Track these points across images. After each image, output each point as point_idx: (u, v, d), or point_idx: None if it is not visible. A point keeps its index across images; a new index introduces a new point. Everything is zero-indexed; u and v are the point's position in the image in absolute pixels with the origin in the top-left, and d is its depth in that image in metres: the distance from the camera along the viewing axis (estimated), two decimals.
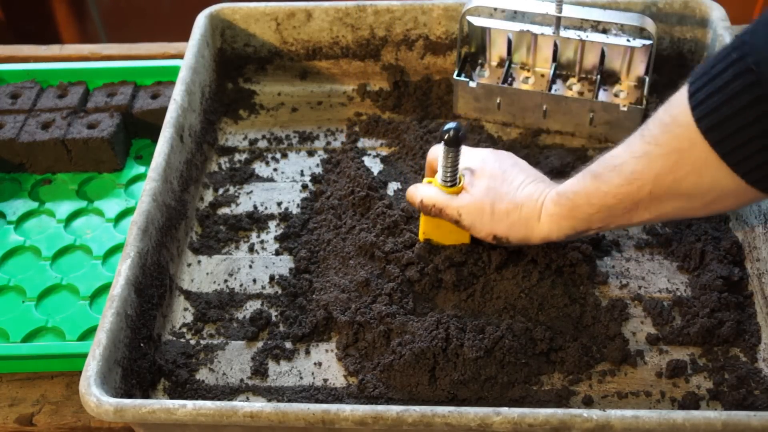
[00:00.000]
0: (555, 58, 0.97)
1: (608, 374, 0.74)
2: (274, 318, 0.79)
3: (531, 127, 0.97)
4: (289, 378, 0.75)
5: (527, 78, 0.98)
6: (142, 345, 0.73)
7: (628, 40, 0.93)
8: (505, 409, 0.61)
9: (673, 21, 0.96)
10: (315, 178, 0.93)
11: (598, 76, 0.95)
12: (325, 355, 0.76)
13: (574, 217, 0.71)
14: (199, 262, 0.85)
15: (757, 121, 0.56)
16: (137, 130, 1.01)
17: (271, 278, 0.82)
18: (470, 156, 0.78)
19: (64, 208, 0.94)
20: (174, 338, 0.78)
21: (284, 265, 0.84)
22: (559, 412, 0.61)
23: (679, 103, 0.61)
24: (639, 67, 0.94)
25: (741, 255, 0.81)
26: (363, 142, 0.97)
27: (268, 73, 1.04)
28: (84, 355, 0.69)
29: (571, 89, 0.96)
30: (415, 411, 0.61)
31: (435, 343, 0.72)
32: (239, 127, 1.00)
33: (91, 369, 0.65)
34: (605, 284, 0.80)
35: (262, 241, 0.87)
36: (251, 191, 0.92)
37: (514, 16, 0.97)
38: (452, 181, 0.76)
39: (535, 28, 0.95)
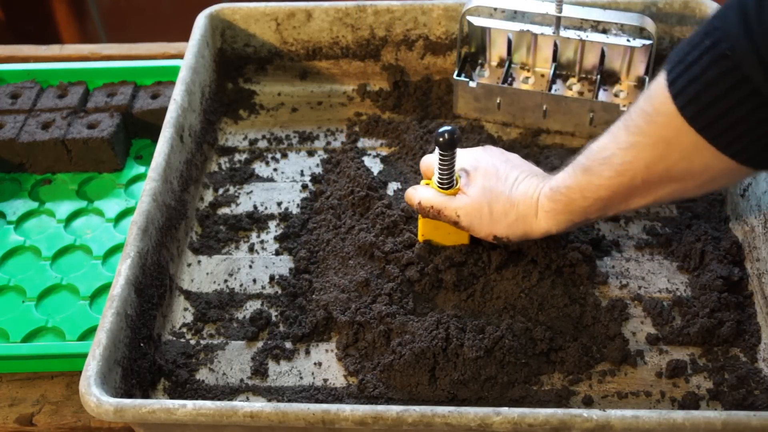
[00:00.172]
0: (555, 58, 0.97)
1: (608, 374, 0.74)
2: (274, 318, 0.79)
3: (531, 127, 0.97)
4: (289, 378, 0.75)
5: (527, 78, 0.98)
6: (142, 345, 0.73)
7: (628, 40, 0.93)
8: (505, 409, 0.61)
9: (673, 21, 0.96)
10: (315, 178, 0.93)
11: (598, 76, 0.95)
12: (325, 355, 0.76)
13: (571, 211, 0.72)
14: (199, 262, 0.85)
15: (740, 104, 0.57)
16: (137, 130, 1.01)
17: (271, 278, 0.82)
18: (463, 156, 0.78)
19: (64, 208, 0.94)
20: (174, 338, 0.78)
21: (284, 265, 0.84)
22: (559, 412, 0.61)
23: (658, 92, 0.61)
24: (639, 67, 0.94)
25: (741, 255, 0.81)
26: (363, 142, 0.97)
27: (268, 73, 1.04)
28: (84, 355, 0.69)
29: (571, 89, 0.96)
30: (415, 411, 0.61)
31: (435, 343, 0.72)
32: (239, 127, 1.00)
33: (91, 369, 0.65)
34: (605, 284, 0.80)
35: (262, 241, 0.87)
36: (251, 191, 0.92)
37: (514, 16, 0.97)
38: (449, 183, 0.76)
39: (535, 28, 0.95)
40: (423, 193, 0.77)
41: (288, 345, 0.77)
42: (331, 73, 1.04)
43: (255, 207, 0.90)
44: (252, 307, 0.80)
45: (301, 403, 0.65)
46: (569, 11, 0.91)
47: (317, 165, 0.95)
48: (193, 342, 0.78)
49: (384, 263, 0.80)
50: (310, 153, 0.96)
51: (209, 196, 0.91)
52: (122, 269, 0.73)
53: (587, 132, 0.96)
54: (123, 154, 0.99)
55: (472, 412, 0.61)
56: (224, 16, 1.00)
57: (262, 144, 0.98)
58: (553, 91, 0.95)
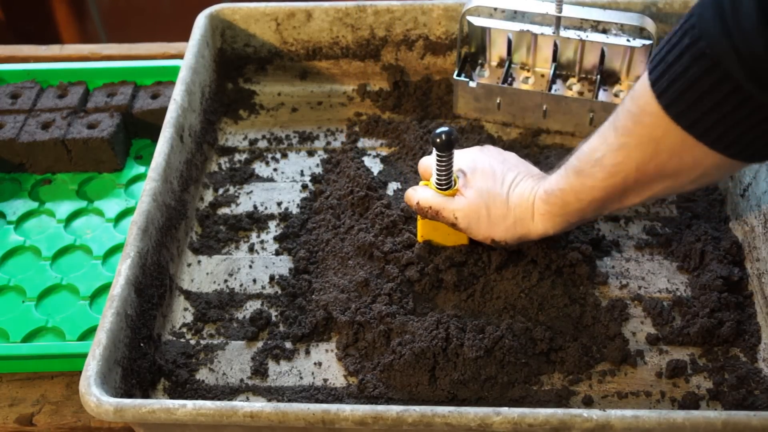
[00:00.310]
0: (555, 58, 0.97)
1: (608, 374, 0.74)
2: (274, 318, 0.79)
3: (531, 127, 0.97)
4: (289, 378, 0.75)
5: (527, 78, 0.98)
6: (142, 345, 0.73)
7: (628, 40, 0.93)
8: (505, 409, 0.61)
9: (673, 21, 0.96)
10: (315, 178, 0.93)
11: (598, 76, 0.95)
12: (325, 355, 0.76)
13: (566, 213, 0.72)
14: (199, 262, 0.85)
15: (724, 101, 0.57)
16: (137, 130, 1.01)
17: (271, 278, 0.82)
18: (461, 157, 0.79)
19: (64, 208, 0.94)
20: (174, 338, 0.78)
21: (284, 265, 0.84)
22: (559, 412, 0.61)
23: (643, 93, 0.62)
24: (639, 67, 0.94)
25: (741, 255, 0.81)
26: (363, 142, 0.97)
27: (268, 73, 1.04)
28: (84, 355, 0.68)
29: (571, 89, 0.96)
30: (415, 411, 0.61)
31: (435, 343, 0.72)
32: (239, 127, 1.00)
33: (91, 369, 0.65)
34: (605, 284, 0.80)
35: (262, 241, 0.87)
36: (251, 191, 0.92)
37: (514, 16, 0.97)
38: (447, 184, 0.76)
39: (535, 28, 0.95)
40: (422, 194, 0.77)
41: (288, 345, 0.77)
42: (331, 73, 1.04)
43: (255, 207, 0.90)
44: (252, 307, 0.80)
45: (301, 403, 0.65)
46: (569, 11, 0.91)
47: (317, 165, 0.95)
48: (193, 342, 0.78)
49: (383, 263, 0.80)
50: (310, 153, 0.96)
51: (209, 196, 0.91)
52: (122, 269, 0.73)
53: (587, 132, 0.95)
54: (123, 154, 0.99)
55: (472, 412, 0.61)
56: (224, 16, 1.00)
57: (262, 144, 0.98)
58: (553, 91, 0.95)
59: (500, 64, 1.00)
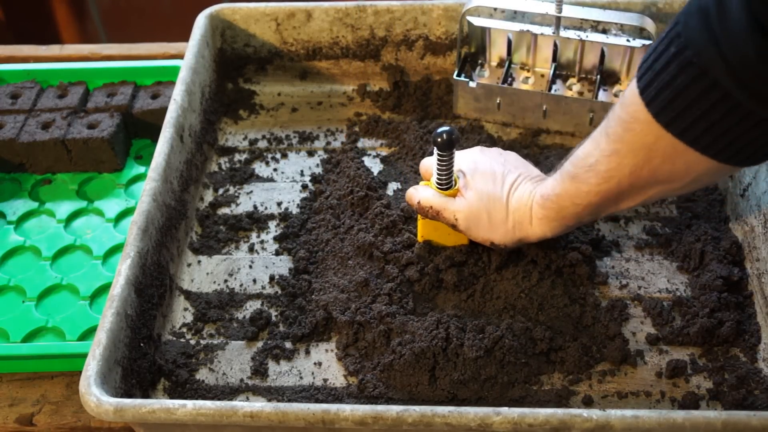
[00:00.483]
0: (555, 58, 0.97)
1: (608, 374, 0.74)
2: (274, 318, 0.79)
3: (531, 127, 0.97)
4: (289, 378, 0.75)
5: (527, 78, 0.98)
6: (142, 345, 0.73)
7: (628, 40, 0.93)
8: (505, 409, 0.61)
9: None
10: (315, 178, 0.93)
11: (598, 76, 0.95)
12: (325, 355, 0.76)
13: (563, 217, 0.73)
14: (199, 262, 0.85)
15: (713, 108, 0.57)
16: (137, 130, 1.01)
17: (271, 278, 0.82)
18: (462, 158, 0.79)
19: (64, 208, 0.94)
20: (174, 338, 0.78)
21: (284, 265, 0.84)
22: (559, 412, 0.61)
23: (632, 100, 0.62)
24: None
25: (741, 255, 0.81)
26: (363, 142, 0.97)
27: (268, 73, 1.04)
28: (84, 355, 0.68)
29: (571, 89, 0.96)
30: (415, 411, 0.61)
31: (435, 343, 0.72)
32: (239, 127, 1.00)
33: (91, 369, 0.65)
34: (605, 284, 0.80)
35: (262, 241, 0.87)
36: (251, 191, 0.92)
37: (514, 16, 0.97)
38: (447, 184, 0.76)
39: (535, 28, 0.95)
40: (422, 193, 0.77)
41: (288, 345, 0.77)
42: (331, 73, 1.04)
43: (255, 207, 0.90)
44: (252, 307, 0.80)
45: (301, 403, 0.65)
46: (569, 11, 0.91)
47: (317, 165, 0.95)
48: (193, 342, 0.78)
49: (383, 263, 0.80)
50: (310, 153, 0.96)
51: (209, 196, 0.91)
52: (122, 269, 0.73)
53: (587, 132, 0.94)
54: (123, 154, 0.99)
55: (472, 412, 0.61)
56: (224, 16, 1.00)
57: (262, 144, 0.98)
58: (553, 91, 0.95)
59: (500, 64, 1.00)
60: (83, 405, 0.64)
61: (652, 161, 0.63)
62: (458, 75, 0.97)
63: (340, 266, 0.82)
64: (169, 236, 0.81)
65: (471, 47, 1.00)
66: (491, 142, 0.95)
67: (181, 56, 1.05)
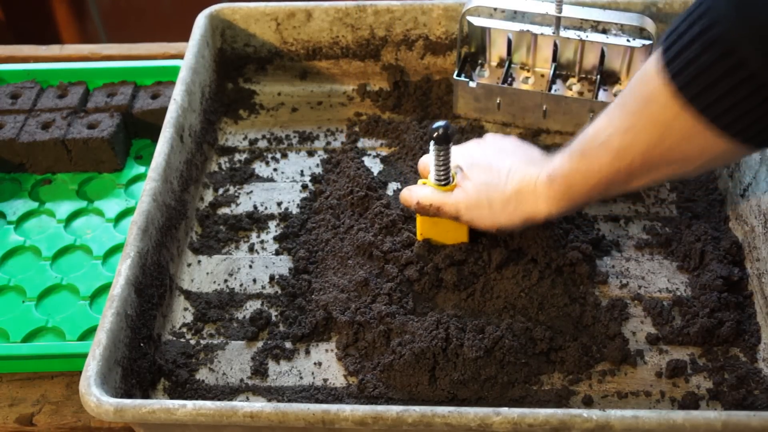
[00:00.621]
0: (555, 58, 0.97)
1: (608, 374, 0.74)
2: (274, 318, 0.79)
3: (531, 127, 0.97)
4: (289, 378, 0.75)
5: (527, 78, 0.98)
6: (142, 345, 0.73)
7: (628, 40, 0.93)
8: (505, 409, 0.61)
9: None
10: (315, 178, 0.93)
11: (598, 76, 0.95)
12: (325, 355, 0.76)
13: (572, 195, 0.71)
14: (199, 262, 0.85)
15: (738, 87, 0.56)
16: (137, 130, 1.01)
17: (271, 278, 0.83)
18: (458, 153, 0.79)
19: (64, 208, 0.94)
20: (174, 338, 0.78)
21: (284, 265, 0.84)
22: (559, 412, 0.61)
23: (654, 75, 0.61)
24: (639, 67, 0.94)
25: (741, 255, 0.81)
26: (363, 142, 0.97)
27: (268, 73, 1.04)
28: (84, 355, 0.69)
29: (571, 89, 0.96)
30: (415, 411, 0.61)
31: (435, 343, 0.72)
32: (239, 127, 1.00)
33: (91, 369, 0.65)
34: (605, 284, 0.80)
35: (262, 241, 0.87)
36: (251, 191, 0.92)
37: (514, 16, 0.97)
38: (445, 179, 0.76)
39: (535, 28, 0.95)
40: (421, 191, 0.77)
41: (288, 345, 0.77)
42: (331, 73, 1.04)
43: (255, 207, 0.90)
44: (252, 307, 0.80)
45: (301, 403, 0.65)
46: (569, 11, 0.91)
47: (317, 165, 0.95)
48: (193, 342, 0.78)
49: (383, 263, 0.80)
50: (310, 153, 0.96)
51: (209, 196, 0.91)
52: (122, 269, 0.73)
53: None
54: (123, 154, 0.99)
55: (472, 412, 0.61)
56: (224, 16, 1.00)
57: (262, 144, 0.98)
58: (553, 91, 0.95)
59: (500, 64, 1.00)
60: (83, 405, 0.64)
61: (668, 140, 0.62)
62: (458, 75, 0.97)
63: (339, 266, 0.82)
64: (169, 236, 0.81)
65: (471, 47, 1.00)
66: None
67: (181, 56, 1.05)
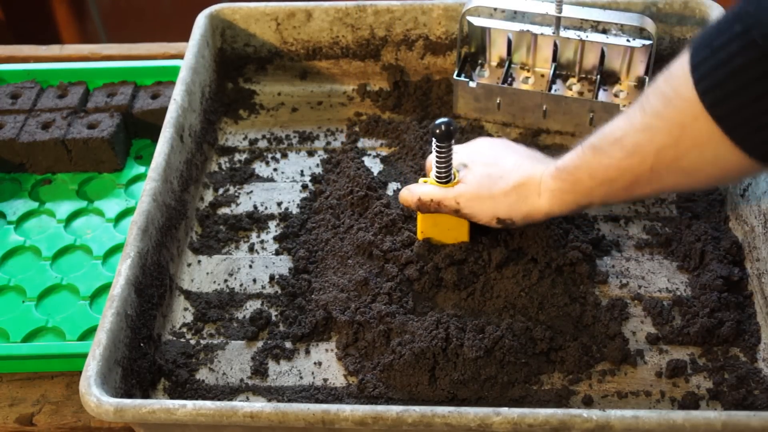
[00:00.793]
0: (555, 58, 0.97)
1: (608, 374, 0.74)
2: (274, 318, 0.79)
3: (531, 127, 0.97)
4: (289, 378, 0.75)
5: (527, 78, 0.98)
6: (142, 345, 0.73)
7: (628, 40, 0.93)
8: (505, 409, 0.61)
9: (673, 21, 0.96)
10: (315, 178, 0.93)
11: (598, 76, 0.95)
12: (325, 355, 0.76)
13: (576, 191, 0.71)
14: (199, 262, 0.85)
15: (764, 96, 0.55)
16: (137, 130, 1.01)
17: (271, 278, 0.83)
18: (461, 152, 0.79)
19: (64, 208, 0.94)
20: (174, 338, 0.78)
21: (284, 265, 0.84)
22: (559, 412, 0.61)
23: (680, 75, 0.60)
24: (639, 67, 0.94)
25: (741, 255, 0.81)
26: (363, 142, 0.97)
27: (268, 73, 1.04)
28: (84, 355, 0.69)
29: (571, 89, 0.96)
30: (415, 411, 0.61)
31: (435, 343, 0.72)
32: (239, 127, 1.00)
33: (91, 369, 0.65)
34: (605, 283, 0.80)
35: (262, 241, 0.87)
36: (251, 191, 0.92)
37: (514, 16, 0.97)
38: (446, 177, 0.76)
39: (535, 28, 0.95)
40: (422, 188, 0.77)
41: (288, 345, 0.77)
42: (331, 73, 1.04)
43: (255, 207, 0.90)
44: (252, 307, 0.80)
45: (301, 402, 0.65)
46: (569, 11, 0.91)
47: (317, 165, 0.95)
48: (193, 342, 0.78)
49: (383, 262, 0.80)
50: (310, 153, 0.96)
51: (209, 196, 0.91)
52: (122, 269, 0.73)
53: (587, 132, 0.95)
54: (123, 154, 0.99)
55: (472, 412, 0.61)
56: (224, 16, 1.00)
57: (262, 144, 0.98)
58: (553, 91, 0.95)
59: (500, 64, 1.00)
60: (83, 405, 0.64)
61: (683, 143, 0.61)
62: (458, 75, 0.97)
63: (339, 265, 0.82)
64: (169, 236, 0.81)
65: (471, 47, 1.00)
66: None
67: (181, 56, 1.05)
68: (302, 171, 0.94)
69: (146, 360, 0.73)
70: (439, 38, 1.01)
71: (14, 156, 0.97)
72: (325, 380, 0.74)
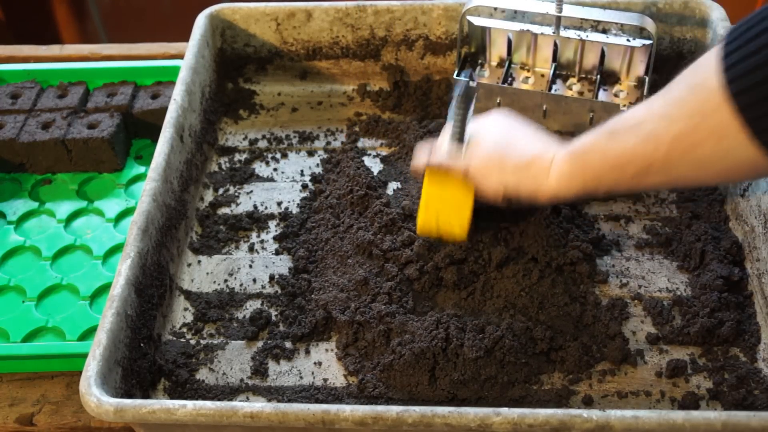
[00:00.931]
0: (555, 58, 0.97)
1: (608, 374, 0.74)
2: (274, 318, 0.79)
3: None
4: (289, 378, 0.75)
5: (527, 78, 0.98)
6: (142, 345, 0.73)
7: (628, 40, 0.93)
8: (505, 410, 0.61)
9: (673, 21, 0.96)
10: (315, 178, 0.93)
11: (598, 76, 0.95)
12: (325, 355, 0.76)
13: (586, 175, 0.70)
14: (199, 262, 0.85)
15: None
16: (137, 130, 1.01)
17: (271, 278, 0.83)
18: (478, 121, 0.78)
19: (64, 208, 0.94)
20: (174, 338, 0.78)
21: (284, 264, 0.84)
22: (559, 413, 0.61)
23: (708, 64, 0.60)
24: (639, 67, 0.94)
25: (741, 255, 0.81)
26: (363, 142, 0.97)
27: (268, 73, 1.04)
28: (84, 355, 0.69)
29: (571, 89, 0.96)
30: (415, 411, 0.61)
31: (435, 343, 0.72)
32: (239, 127, 1.00)
33: (91, 369, 0.65)
34: (605, 283, 0.80)
35: (262, 241, 0.87)
36: (251, 191, 0.92)
37: (514, 16, 0.97)
38: (460, 136, 0.75)
39: (535, 28, 0.95)
40: (436, 145, 0.77)
41: (288, 345, 0.77)
42: (331, 73, 1.04)
43: (255, 207, 0.90)
44: (252, 306, 0.80)
45: (301, 402, 0.65)
46: (569, 11, 0.91)
47: (317, 165, 0.95)
48: (193, 342, 0.78)
49: (383, 261, 0.80)
50: (310, 153, 0.96)
51: (209, 196, 0.91)
52: (122, 269, 0.73)
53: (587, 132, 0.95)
54: (123, 154, 0.99)
55: (472, 412, 0.61)
56: (224, 16, 1.00)
57: (262, 144, 0.98)
58: (553, 91, 0.95)
59: (500, 64, 1.00)
60: (83, 405, 0.64)
61: (700, 133, 0.61)
62: (458, 75, 0.97)
63: (339, 265, 0.82)
64: (169, 236, 0.81)
65: (471, 47, 1.00)
66: None
67: (181, 56, 1.05)
68: (302, 171, 0.94)
69: (146, 360, 0.73)
70: (439, 38, 1.01)
71: (14, 156, 0.97)
72: (325, 380, 0.74)
